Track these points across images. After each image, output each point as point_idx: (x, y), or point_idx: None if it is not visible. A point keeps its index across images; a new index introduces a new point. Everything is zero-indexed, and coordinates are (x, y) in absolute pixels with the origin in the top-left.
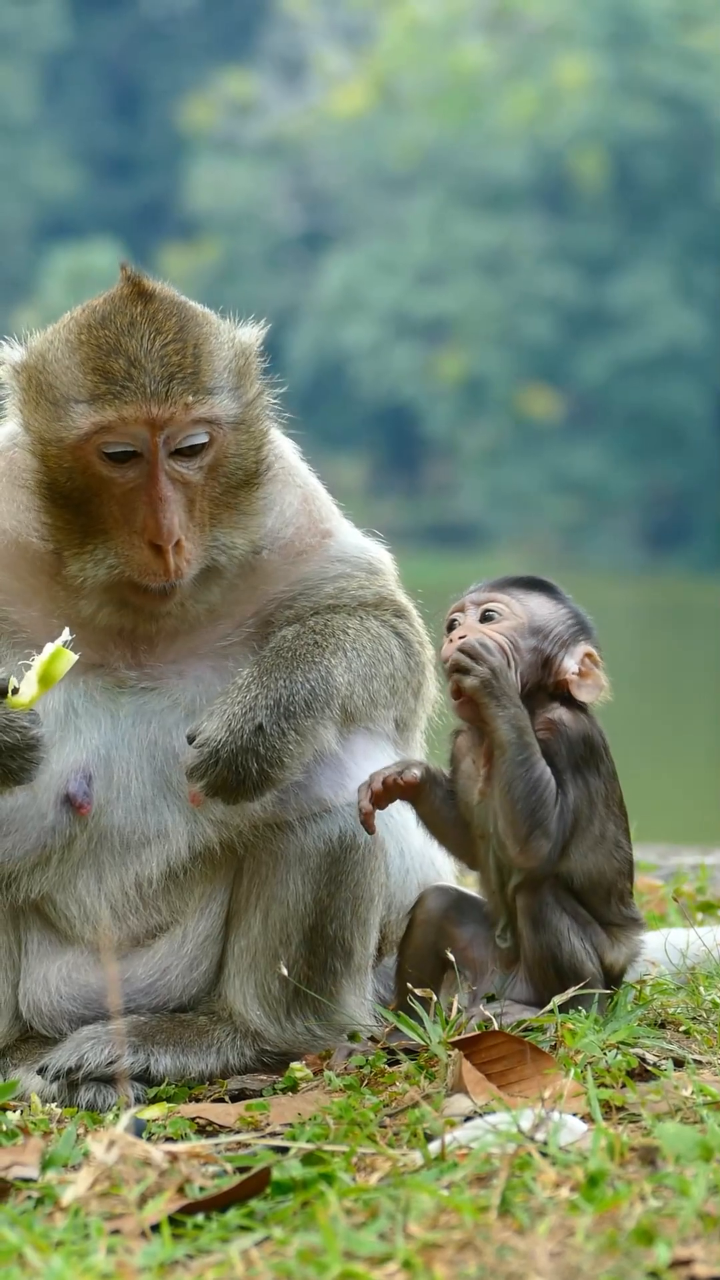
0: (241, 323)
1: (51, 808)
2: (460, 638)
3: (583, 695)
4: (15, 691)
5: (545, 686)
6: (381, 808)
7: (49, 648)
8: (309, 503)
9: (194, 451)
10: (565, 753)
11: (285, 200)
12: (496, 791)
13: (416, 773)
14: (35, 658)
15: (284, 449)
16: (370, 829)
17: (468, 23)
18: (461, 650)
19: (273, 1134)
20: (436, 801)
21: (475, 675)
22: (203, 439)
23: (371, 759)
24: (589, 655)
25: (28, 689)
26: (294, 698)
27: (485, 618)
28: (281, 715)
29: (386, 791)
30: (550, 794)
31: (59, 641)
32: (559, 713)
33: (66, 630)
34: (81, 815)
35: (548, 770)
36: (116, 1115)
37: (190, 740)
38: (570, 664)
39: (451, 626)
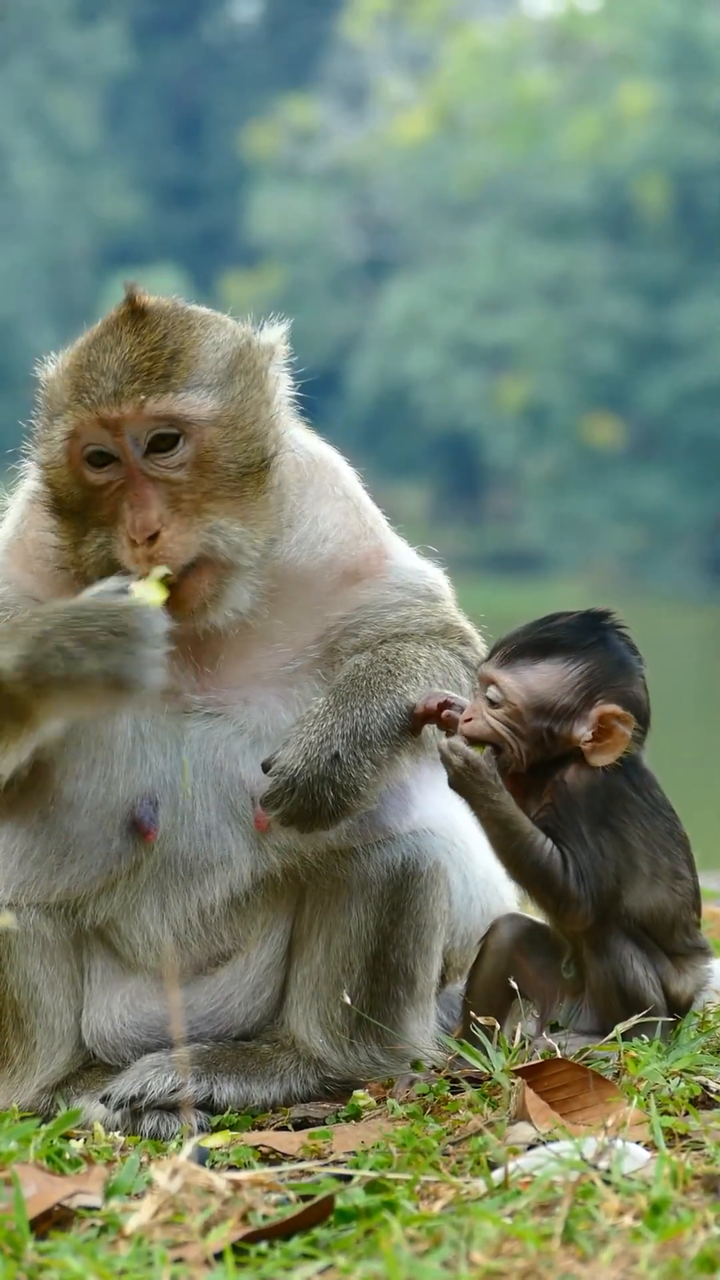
0: (266, 326)
1: (117, 833)
2: (467, 720)
3: (596, 760)
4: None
5: (560, 752)
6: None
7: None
8: (356, 516)
9: (168, 448)
10: (576, 811)
11: (348, 227)
12: (511, 876)
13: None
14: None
15: (324, 455)
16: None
17: (530, 50)
18: (438, 746)
19: (336, 1162)
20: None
21: (449, 772)
22: (171, 434)
23: (436, 787)
24: (607, 716)
25: (152, 593)
26: (370, 727)
27: (489, 701)
28: (358, 744)
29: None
30: (555, 866)
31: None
32: (565, 772)
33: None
34: (147, 841)
35: (544, 844)
36: (180, 1143)
37: (265, 769)
38: (581, 731)
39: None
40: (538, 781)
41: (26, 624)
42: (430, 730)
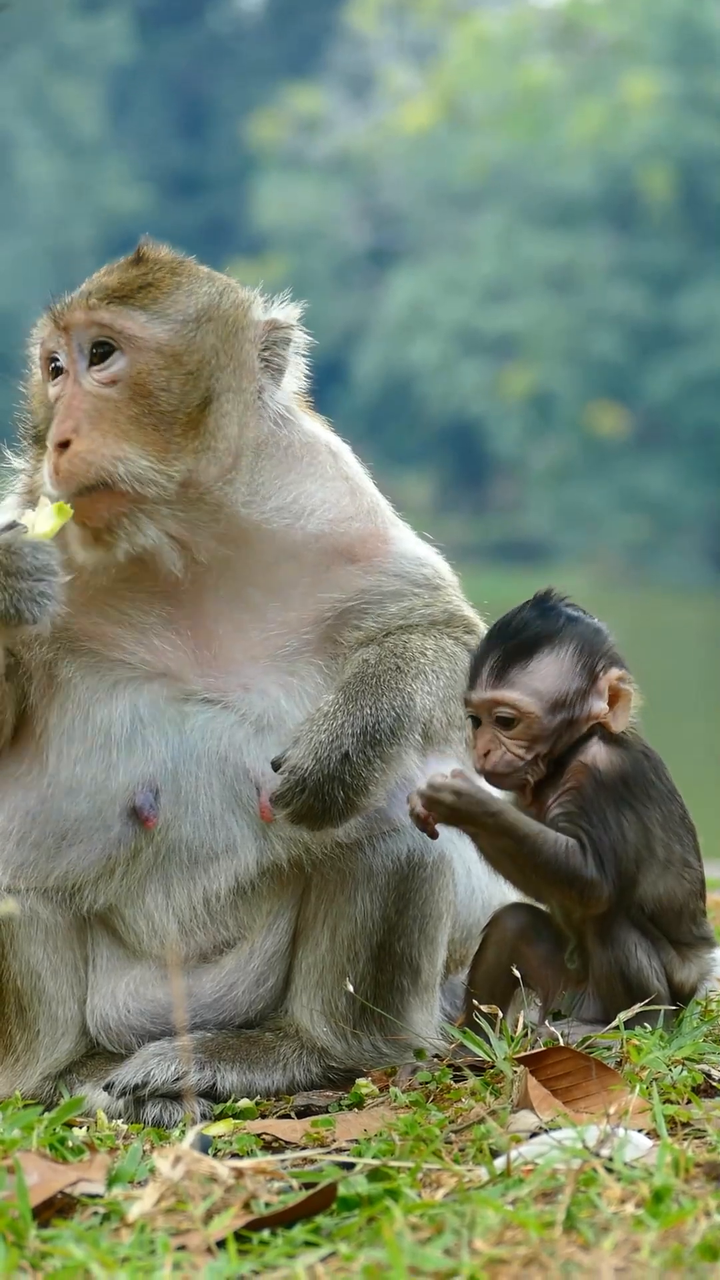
0: (273, 301)
1: (117, 820)
2: (484, 754)
3: (618, 726)
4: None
5: (578, 736)
6: (437, 820)
7: (49, 500)
8: (351, 497)
9: (102, 359)
10: (602, 792)
11: (352, 217)
12: (529, 877)
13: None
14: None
15: (324, 439)
16: (432, 834)
17: (535, 39)
18: (420, 796)
19: (338, 1150)
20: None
21: (442, 811)
22: (106, 343)
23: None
24: (613, 682)
25: (44, 523)
26: (379, 725)
27: (501, 722)
28: (368, 743)
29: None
30: (573, 854)
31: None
32: (592, 753)
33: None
34: (147, 829)
35: (555, 840)
36: (182, 1131)
37: (275, 767)
38: (599, 705)
39: (475, 722)
40: (553, 768)
41: None
42: (439, 723)
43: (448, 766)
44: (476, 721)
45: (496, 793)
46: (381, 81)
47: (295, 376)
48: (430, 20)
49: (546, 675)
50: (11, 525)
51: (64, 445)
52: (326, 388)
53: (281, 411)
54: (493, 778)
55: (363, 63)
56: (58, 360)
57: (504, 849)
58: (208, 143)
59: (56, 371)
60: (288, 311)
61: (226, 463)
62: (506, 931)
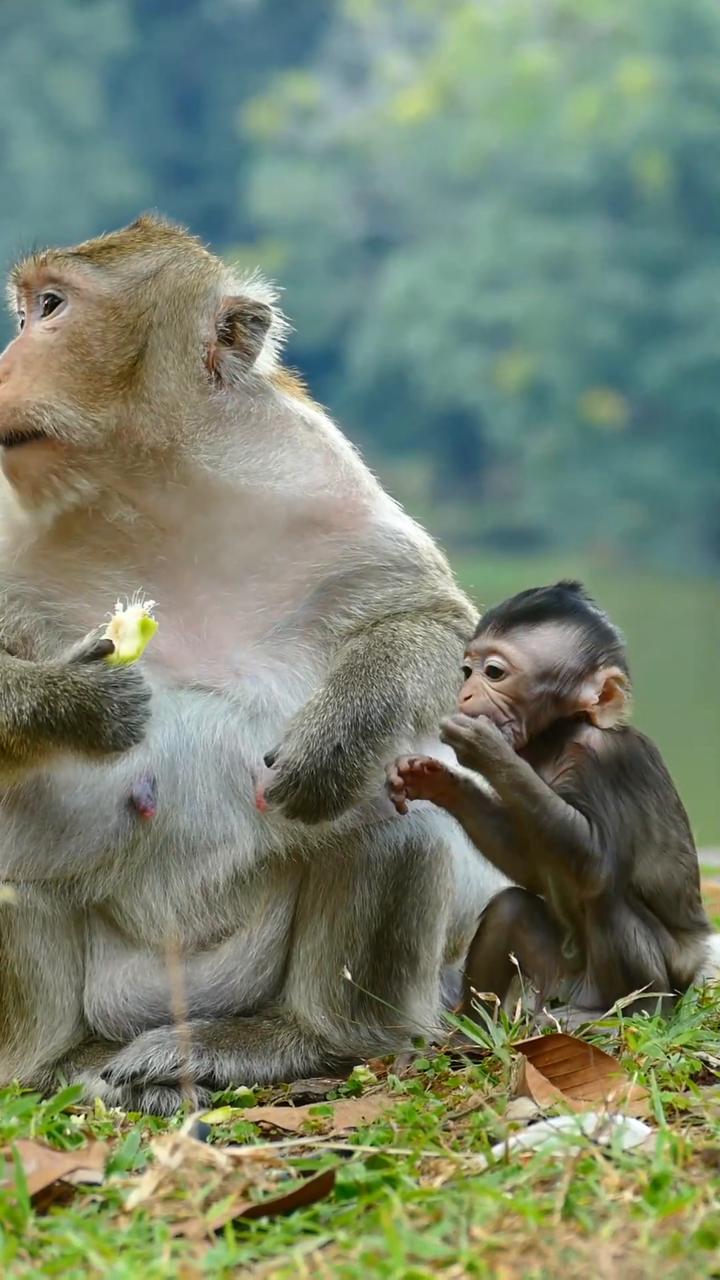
0: (251, 281)
1: (115, 810)
2: (466, 698)
3: (604, 722)
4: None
5: (568, 716)
6: (410, 796)
7: (133, 610)
8: (326, 468)
9: (49, 309)
10: (600, 774)
11: (348, 205)
12: (530, 842)
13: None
14: (115, 615)
15: (303, 414)
16: (401, 809)
17: (530, 27)
18: (441, 727)
19: (336, 1138)
20: (483, 817)
21: (460, 746)
22: (54, 295)
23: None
24: (611, 678)
25: (128, 644)
26: (370, 716)
27: (490, 672)
28: (359, 735)
29: (412, 774)
30: (580, 826)
31: (143, 606)
32: (587, 735)
33: (149, 602)
34: (145, 819)
35: (567, 808)
36: (180, 1119)
37: (269, 763)
38: (589, 693)
39: (467, 672)
40: (549, 748)
41: (20, 681)
42: (431, 710)
43: (446, 757)
44: (467, 673)
45: None
46: (377, 70)
47: (268, 353)
48: (425, 8)
49: (547, 642)
50: (100, 649)
51: None
52: (323, 375)
53: (251, 384)
54: (450, 735)
55: (358, 51)
56: (22, 315)
57: (517, 805)
58: (203, 131)
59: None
60: (258, 290)
61: (161, 415)
62: (504, 917)
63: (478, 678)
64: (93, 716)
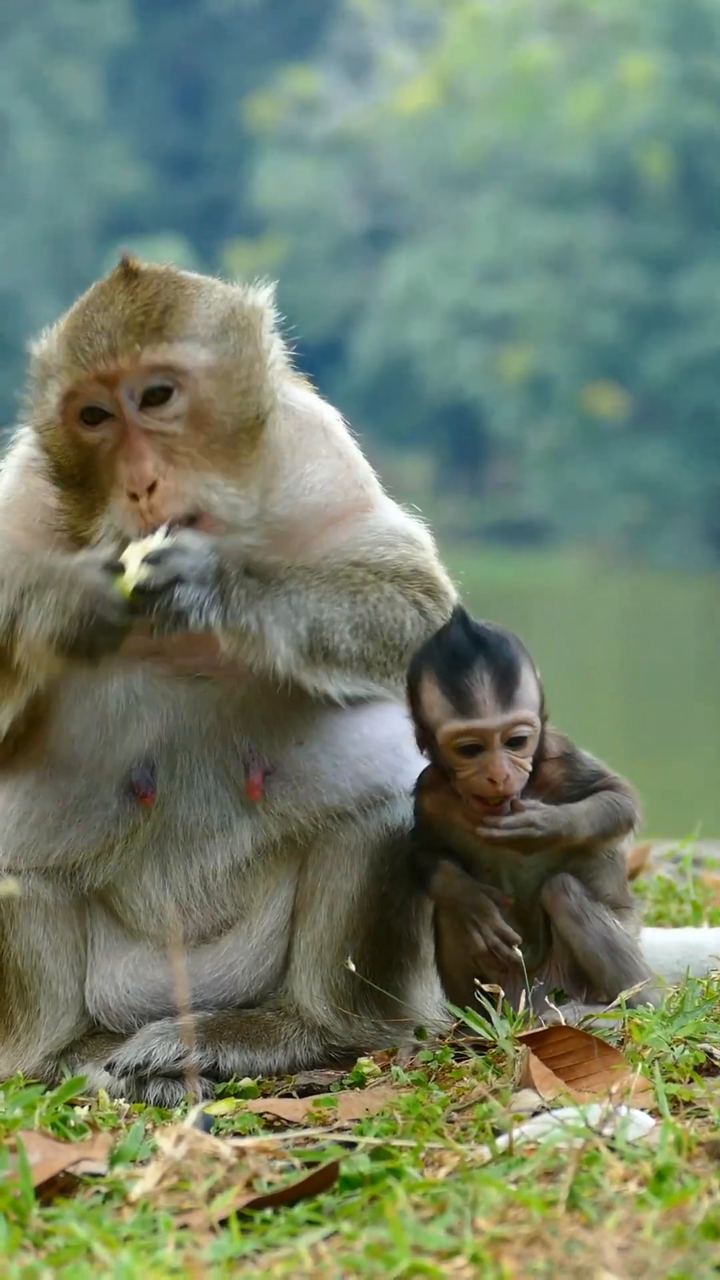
0: (256, 287)
1: (115, 796)
2: (505, 779)
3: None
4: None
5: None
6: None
7: (144, 543)
8: (346, 473)
9: (161, 400)
10: (573, 776)
11: (350, 198)
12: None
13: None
14: (133, 543)
15: (317, 413)
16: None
17: (532, 20)
18: (488, 840)
19: (340, 1129)
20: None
21: (537, 845)
22: (166, 385)
23: (388, 724)
24: None
25: (129, 574)
26: (266, 577)
27: (513, 743)
28: (245, 573)
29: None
30: (612, 807)
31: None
32: (545, 766)
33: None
34: (145, 804)
35: (594, 804)
36: (184, 1111)
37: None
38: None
39: (471, 751)
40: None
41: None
42: (339, 642)
43: (398, 720)
44: (472, 750)
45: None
46: (379, 63)
47: (279, 349)
48: (428, 1)
49: (531, 687)
50: (110, 564)
51: (151, 489)
52: (325, 368)
53: (284, 390)
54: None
55: (360, 44)
56: (98, 408)
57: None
58: (206, 124)
59: (94, 416)
60: (266, 294)
61: (282, 467)
62: (456, 941)
63: (499, 755)
64: (74, 616)
